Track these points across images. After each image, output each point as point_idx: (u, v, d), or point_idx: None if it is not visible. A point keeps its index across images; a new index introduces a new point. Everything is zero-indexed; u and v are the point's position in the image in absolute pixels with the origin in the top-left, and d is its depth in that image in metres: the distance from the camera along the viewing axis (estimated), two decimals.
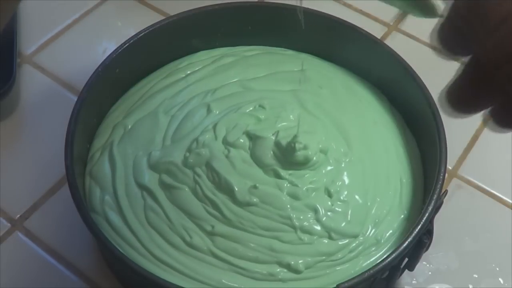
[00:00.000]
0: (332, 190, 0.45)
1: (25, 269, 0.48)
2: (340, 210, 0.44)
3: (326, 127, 0.49)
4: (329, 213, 0.44)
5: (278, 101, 0.50)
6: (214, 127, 0.48)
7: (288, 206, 0.44)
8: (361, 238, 0.44)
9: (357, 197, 0.45)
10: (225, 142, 0.47)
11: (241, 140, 0.46)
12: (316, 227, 0.43)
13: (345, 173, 0.46)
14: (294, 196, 0.44)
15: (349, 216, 0.44)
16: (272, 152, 0.46)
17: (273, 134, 0.46)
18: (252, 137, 0.47)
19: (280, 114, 0.49)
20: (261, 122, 0.48)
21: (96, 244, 0.48)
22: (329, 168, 0.46)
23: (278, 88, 0.52)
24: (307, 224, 0.43)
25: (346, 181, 0.46)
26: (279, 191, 0.44)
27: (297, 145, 0.44)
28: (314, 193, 0.45)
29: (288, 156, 0.45)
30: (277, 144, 0.46)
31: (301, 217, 0.44)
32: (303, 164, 0.45)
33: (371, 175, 0.47)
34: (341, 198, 0.45)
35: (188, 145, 0.47)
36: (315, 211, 0.44)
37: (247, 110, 0.49)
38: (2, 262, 0.48)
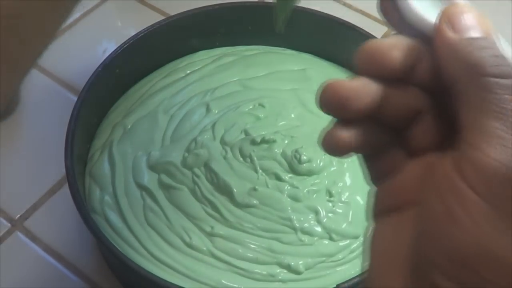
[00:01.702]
0: (333, 192, 0.45)
1: (25, 269, 0.48)
2: (341, 211, 0.44)
3: None
4: (330, 215, 0.44)
5: (278, 100, 0.50)
6: (213, 126, 0.48)
7: (289, 207, 0.44)
8: (362, 238, 0.44)
9: (358, 198, 0.45)
10: (223, 142, 0.46)
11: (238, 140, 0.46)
12: (316, 228, 0.43)
13: (347, 174, 0.46)
14: (295, 198, 0.44)
15: (350, 217, 0.44)
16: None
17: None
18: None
19: (280, 112, 0.49)
20: (261, 120, 0.48)
21: (96, 244, 0.48)
22: (332, 169, 0.46)
23: (278, 87, 0.52)
24: (307, 225, 0.43)
25: (348, 182, 0.46)
26: (280, 193, 0.44)
27: (302, 158, 0.44)
28: (315, 194, 0.45)
29: (293, 166, 0.45)
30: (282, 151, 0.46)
31: (302, 219, 0.44)
32: (307, 175, 0.45)
33: None
34: (342, 199, 0.45)
35: (187, 145, 0.47)
36: (316, 212, 0.44)
37: (247, 109, 0.49)
38: (2, 262, 0.48)
